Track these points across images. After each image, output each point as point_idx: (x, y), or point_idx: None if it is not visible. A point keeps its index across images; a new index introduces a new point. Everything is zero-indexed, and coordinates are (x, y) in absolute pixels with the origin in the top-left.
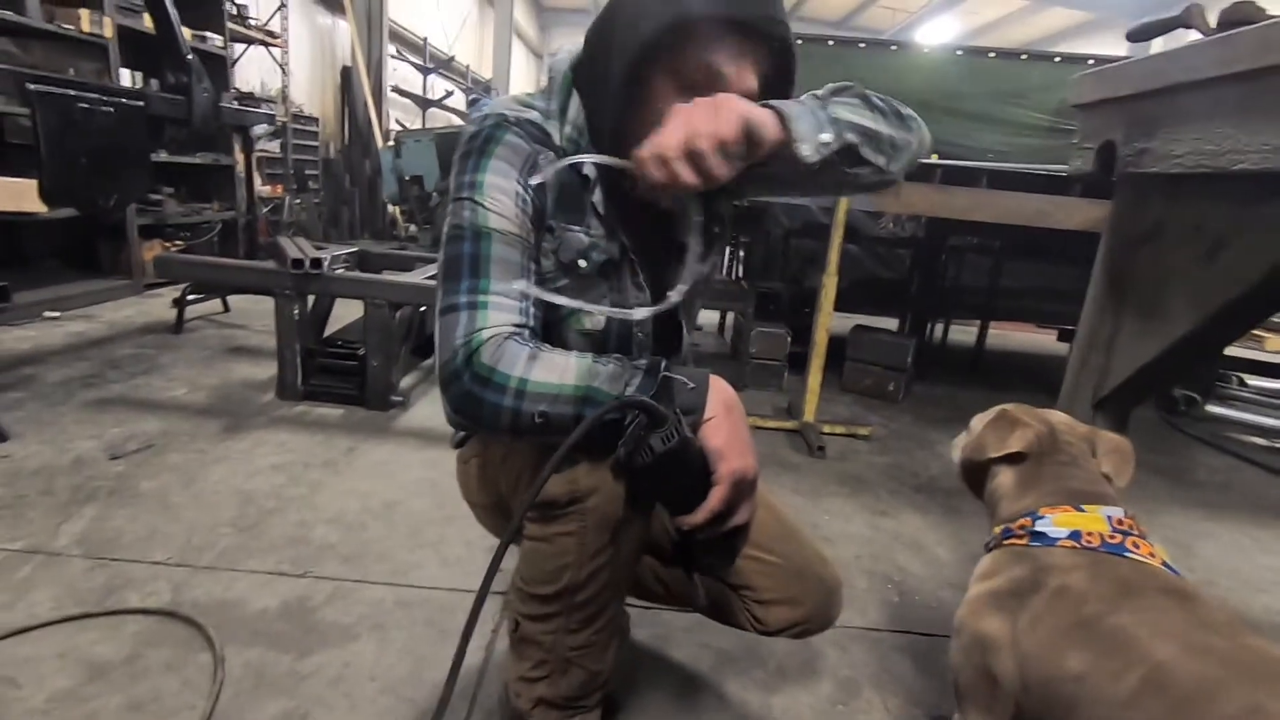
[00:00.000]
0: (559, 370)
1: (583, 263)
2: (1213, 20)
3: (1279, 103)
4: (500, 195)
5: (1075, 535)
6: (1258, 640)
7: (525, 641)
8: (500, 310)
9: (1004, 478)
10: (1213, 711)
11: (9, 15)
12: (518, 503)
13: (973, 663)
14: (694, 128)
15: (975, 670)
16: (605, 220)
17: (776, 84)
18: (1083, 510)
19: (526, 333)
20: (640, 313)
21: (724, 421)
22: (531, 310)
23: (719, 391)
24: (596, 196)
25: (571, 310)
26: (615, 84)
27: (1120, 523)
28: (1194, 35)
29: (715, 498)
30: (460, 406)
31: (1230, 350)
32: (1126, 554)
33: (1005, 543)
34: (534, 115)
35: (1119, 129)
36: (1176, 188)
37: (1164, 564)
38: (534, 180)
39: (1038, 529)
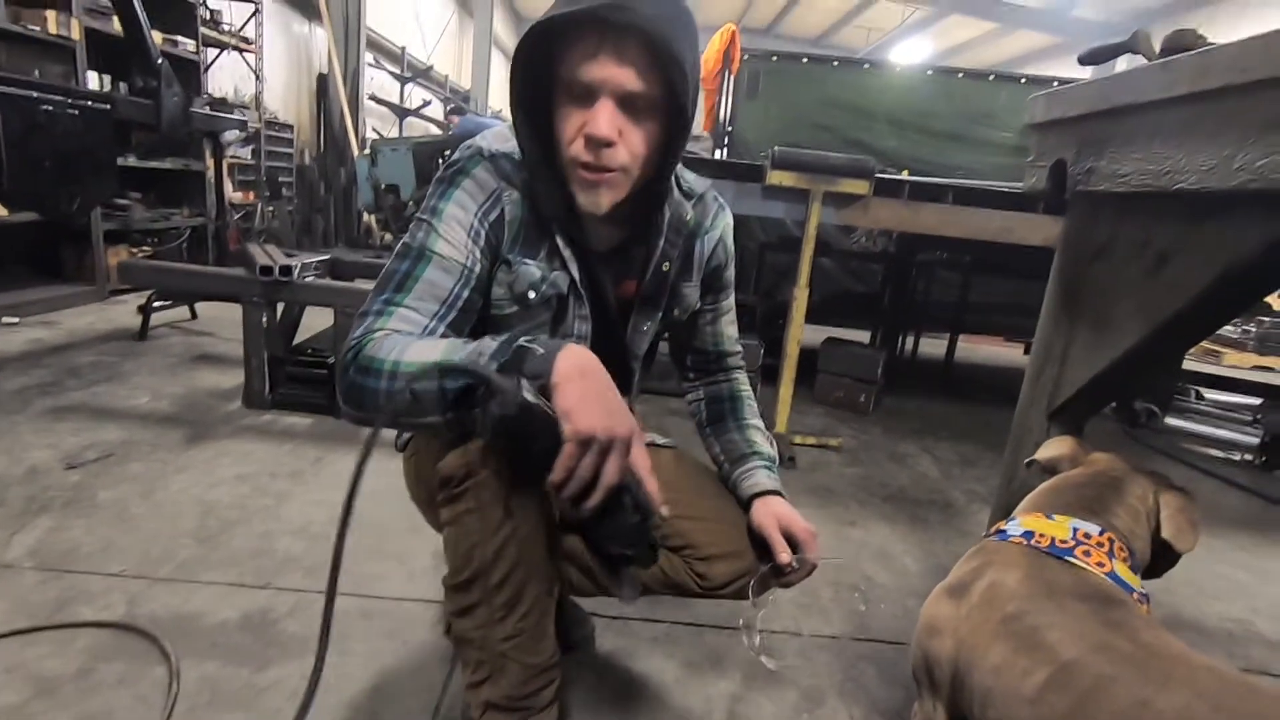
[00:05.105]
0: (427, 350)
1: (532, 294)
2: (1157, 46)
3: (1215, 125)
4: (455, 224)
5: (1028, 535)
6: (1163, 641)
7: (461, 642)
8: (403, 321)
9: (1031, 494)
10: (1106, 707)
11: None
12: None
13: (921, 646)
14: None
15: (922, 653)
16: (560, 255)
17: (670, 76)
18: (1052, 519)
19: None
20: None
21: (575, 385)
22: (441, 332)
23: (572, 357)
24: (558, 237)
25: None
26: (515, 109)
27: (1086, 536)
28: (1142, 60)
29: (562, 456)
30: (348, 397)
31: (1189, 365)
32: (1068, 559)
33: (982, 540)
34: (512, 148)
35: (1070, 148)
36: (1125, 205)
37: (1111, 574)
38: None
39: (1004, 528)
